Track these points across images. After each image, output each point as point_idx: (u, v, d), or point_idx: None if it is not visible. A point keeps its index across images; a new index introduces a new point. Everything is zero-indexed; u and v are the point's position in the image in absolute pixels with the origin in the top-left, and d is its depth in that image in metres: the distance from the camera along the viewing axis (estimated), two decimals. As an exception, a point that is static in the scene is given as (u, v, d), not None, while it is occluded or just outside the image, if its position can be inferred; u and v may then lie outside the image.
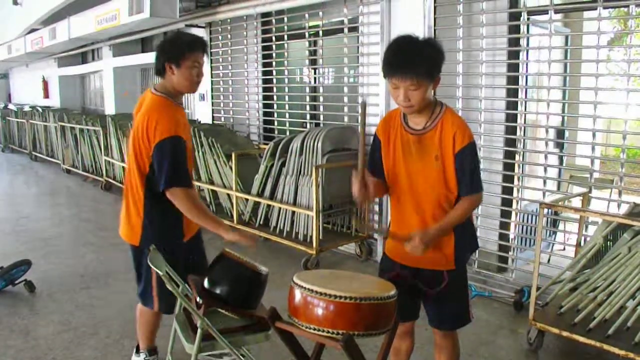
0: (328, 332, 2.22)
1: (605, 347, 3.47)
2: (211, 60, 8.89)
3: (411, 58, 2.43)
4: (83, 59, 15.89)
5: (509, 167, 5.11)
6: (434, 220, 2.62)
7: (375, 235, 6.00)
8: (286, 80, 7.62)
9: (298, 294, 2.30)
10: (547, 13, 4.67)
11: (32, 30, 14.02)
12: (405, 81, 2.43)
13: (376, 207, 6.05)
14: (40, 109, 14.58)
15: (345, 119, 6.52)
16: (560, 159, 6.18)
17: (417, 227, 2.61)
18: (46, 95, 17.48)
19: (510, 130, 5.08)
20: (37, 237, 6.88)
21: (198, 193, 7.34)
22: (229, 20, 8.27)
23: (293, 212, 6.00)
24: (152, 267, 2.74)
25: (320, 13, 6.70)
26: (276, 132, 7.84)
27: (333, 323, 2.20)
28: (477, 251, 5.10)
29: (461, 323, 2.86)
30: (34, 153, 14.38)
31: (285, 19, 7.27)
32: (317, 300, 2.23)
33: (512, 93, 5.06)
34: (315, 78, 7.49)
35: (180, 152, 3.02)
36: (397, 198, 2.76)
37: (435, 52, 2.49)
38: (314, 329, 2.24)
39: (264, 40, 7.83)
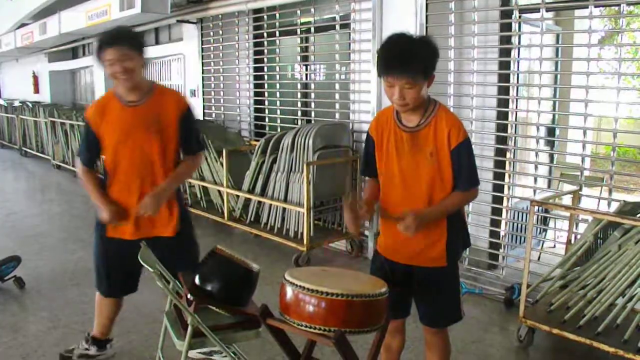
0: (320, 329, 2.22)
1: (595, 344, 3.49)
2: (202, 56, 8.88)
3: (406, 57, 2.42)
4: (74, 54, 15.80)
5: (499, 164, 5.11)
6: None
7: (367, 232, 6.00)
8: (277, 76, 7.61)
9: (289, 291, 2.30)
10: (539, 11, 4.68)
11: (22, 25, 13.92)
12: (400, 80, 2.43)
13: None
14: (30, 104, 14.48)
15: (337, 115, 6.51)
16: (551, 156, 6.20)
17: None
18: (36, 91, 17.37)
19: (501, 127, 5.09)
20: (27, 234, 6.85)
21: (189, 189, 7.35)
22: (220, 16, 8.25)
23: (284, 209, 6.00)
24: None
25: (312, 9, 6.69)
26: (267, 128, 7.83)
27: (325, 320, 2.21)
28: (468, 248, 5.12)
29: (452, 320, 2.86)
30: (24, 149, 14.29)
31: (277, 15, 7.25)
32: (309, 298, 2.23)
33: (504, 91, 5.07)
34: (306, 75, 7.48)
35: (83, 133, 3.41)
36: (389, 195, 2.75)
37: (431, 51, 2.49)
38: (306, 326, 2.24)
39: (255, 37, 7.82)
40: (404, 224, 2.46)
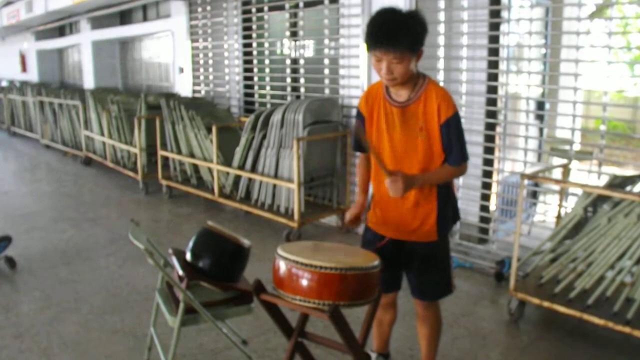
0: (314, 302, 2.23)
1: (585, 316, 3.52)
2: (191, 32, 8.80)
3: (394, 31, 2.40)
4: (61, 32, 15.63)
5: (489, 138, 5.12)
6: (418, 191, 2.63)
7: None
8: (266, 52, 7.56)
9: (283, 266, 2.31)
10: (529, -16, 4.66)
11: (8, 3, 13.77)
12: (388, 54, 2.42)
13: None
14: (18, 84, 14.37)
15: (326, 91, 6.49)
16: (541, 130, 6.21)
17: (400, 198, 2.62)
18: (24, 70, 17.21)
19: (491, 101, 5.08)
20: (17, 213, 6.82)
21: (179, 166, 7.32)
22: (208, -9, 8.18)
23: (274, 185, 5.99)
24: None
25: (301, -16, 6.64)
26: (257, 104, 7.80)
27: (319, 294, 2.22)
28: (458, 222, 5.14)
29: (443, 293, 2.87)
30: (12, 128, 14.18)
31: (266, -9, 7.19)
32: (302, 272, 2.24)
33: (493, 65, 5.06)
34: (295, 50, 7.44)
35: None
36: (381, 170, 2.75)
37: (419, 25, 2.46)
38: (300, 300, 2.26)
39: (244, 12, 7.75)
40: (392, 179, 2.48)
